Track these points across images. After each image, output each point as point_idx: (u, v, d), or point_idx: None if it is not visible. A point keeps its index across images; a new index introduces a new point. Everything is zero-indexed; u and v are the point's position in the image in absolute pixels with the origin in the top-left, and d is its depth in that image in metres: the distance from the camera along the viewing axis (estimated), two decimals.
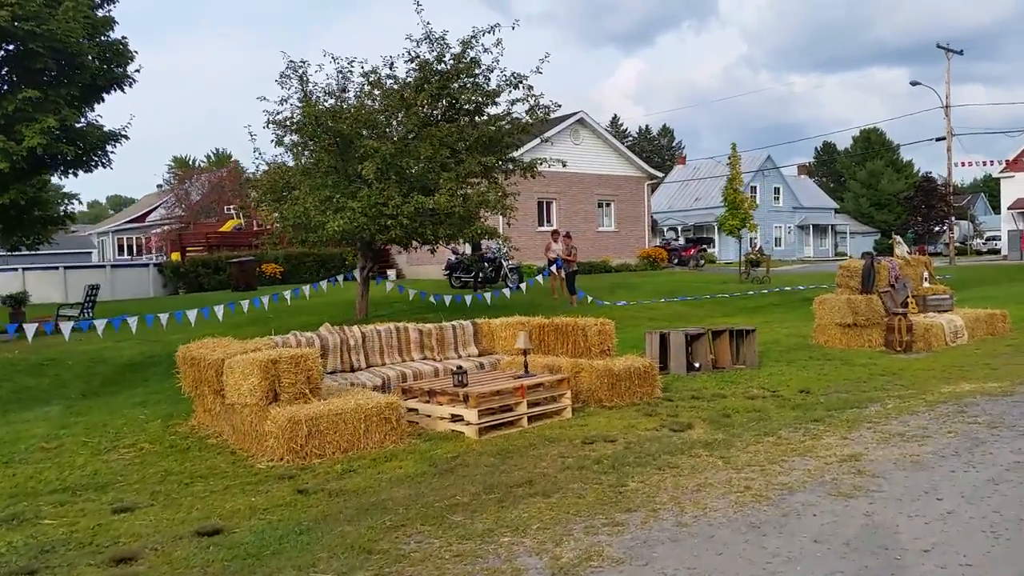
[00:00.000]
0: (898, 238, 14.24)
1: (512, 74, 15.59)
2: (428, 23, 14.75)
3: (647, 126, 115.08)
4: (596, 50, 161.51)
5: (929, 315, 13.05)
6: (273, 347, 7.99)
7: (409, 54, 14.41)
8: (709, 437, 6.56)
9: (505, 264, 22.30)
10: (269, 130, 13.71)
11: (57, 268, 26.41)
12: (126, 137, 16.44)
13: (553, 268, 19.35)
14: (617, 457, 5.98)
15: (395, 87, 14.42)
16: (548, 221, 29.66)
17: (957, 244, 59.41)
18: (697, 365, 10.58)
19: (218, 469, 6.22)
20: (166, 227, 39.68)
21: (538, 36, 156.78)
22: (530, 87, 15.79)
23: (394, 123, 13.79)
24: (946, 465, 5.36)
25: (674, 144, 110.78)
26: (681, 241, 37.37)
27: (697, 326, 11.34)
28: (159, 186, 46.91)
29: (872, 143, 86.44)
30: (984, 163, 43.39)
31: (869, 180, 74.26)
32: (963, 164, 44.74)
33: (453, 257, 23.34)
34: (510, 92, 15.76)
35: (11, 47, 14.14)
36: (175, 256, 30.08)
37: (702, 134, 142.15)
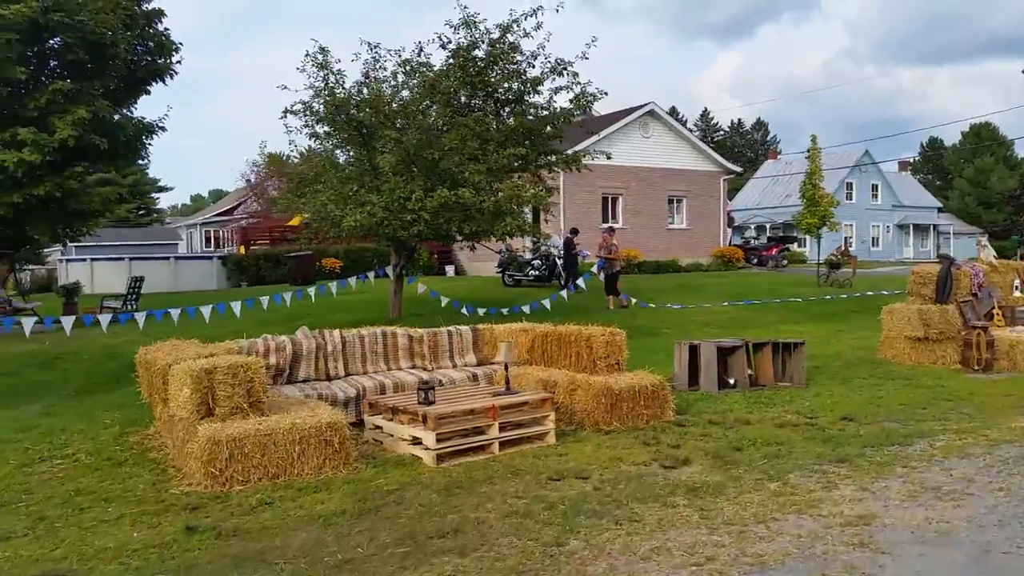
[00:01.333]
0: (983, 240, 12.51)
1: (556, 60, 14.60)
2: (466, 7, 13.92)
3: (739, 120, 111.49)
4: (692, 43, 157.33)
5: (1017, 330, 11.36)
6: (236, 352, 7.31)
7: (442, 39, 13.60)
8: (701, 479, 5.45)
9: (559, 262, 21.27)
10: (288, 120, 13.16)
11: (123, 259, 26.92)
12: (163, 129, 16.26)
13: (617, 267, 18.18)
14: (578, 501, 4.97)
15: (429, 74, 13.62)
16: (613, 217, 28.42)
17: None
18: (732, 382, 9.36)
19: (132, 492, 5.52)
20: (243, 221, 40.32)
21: (632, 30, 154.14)
22: (575, 74, 14.76)
23: (421, 113, 12.98)
24: (980, 539, 4.12)
25: (768, 138, 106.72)
26: (762, 240, 35.34)
27: (736, 337, 10.09)
28: (247, 181, 48.04)
29: (983, 138, 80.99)
30: None
31: (977, 178, 69.44)
32: None
33: (505, 254, 22.47)
34: (553, 80, 14.78)
35: (43, 39, 14.09)
36: (242, 249, 30.32)
37: (801, 129, 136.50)
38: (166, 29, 16.64)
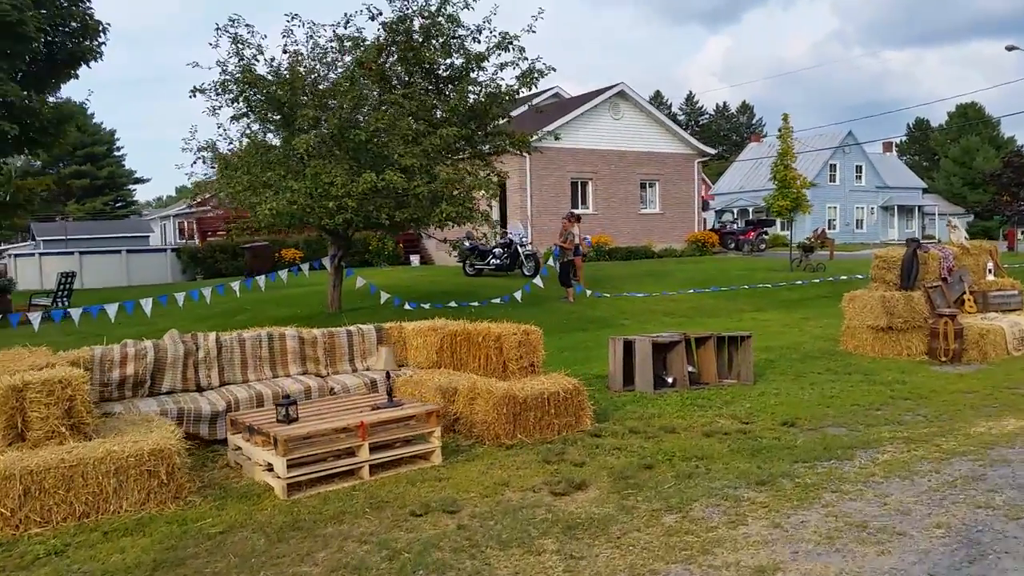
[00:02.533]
0: (954, 221, 11.63)
1: (501, 34, 13.62)
2: None
3: (725, 103, 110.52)
4: (679, 27, 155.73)
5: (989, 316, 10.51)
6: (88, 360, 6.37)
7: (371, 11, 12.58)
8: (590, 511, 4.55)
9: (522, 250, 20.34)
10: (198, 99, 12.14)
11: (73, 253, 25.83)
12: (84, 114, 15.21)
13: (571, 255, 17.21)
14: (428, 547, 4.06)
15: (359, 50, 12.61)
16: (583, 203, 27.47)
17: None
18: (671, 381, 8.47)
19: None
20: (209, 212, 39.19)
21: (618, 14, 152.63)
22: (522, 48, 13.80)
23: (354, 91, 11.97)
24: None
25: (754, 121, 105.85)
26: (740, 224, 34.46)
27: (675, 331, 9.19)
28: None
29: (969, 118, 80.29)
30: None
31: (962, 157, 68.76)
32: None
33: (466, 243, 21.50)
34: (499, 55, 13.81)
35: None
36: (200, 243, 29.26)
37: (788, 112, 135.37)
38: (89, 8, 15.54)
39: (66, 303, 16.83)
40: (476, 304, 15.67)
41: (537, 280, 16.47)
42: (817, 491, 4.70)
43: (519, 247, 20.48)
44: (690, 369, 8.61)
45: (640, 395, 8.08)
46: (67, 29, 15.18)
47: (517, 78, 13.74)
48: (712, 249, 29.45)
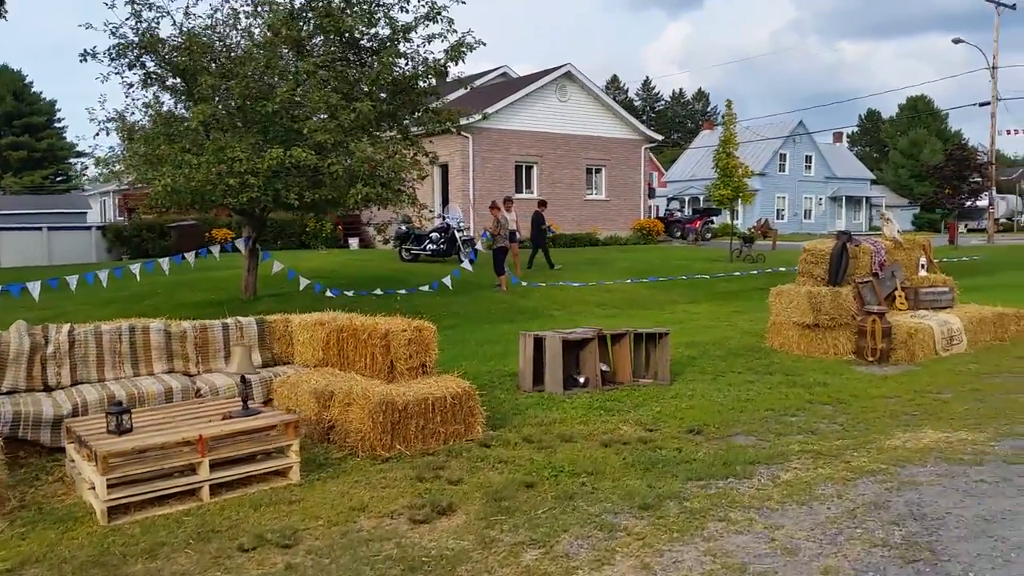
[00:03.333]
0: (887, 214, 11.31)
1: (428, 4, 12.89)
2: None
3: (681, 90, 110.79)
4: (641, 12, 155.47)
5: (919, 314, 10.20)
6: None
7: None
8: (444, 543, 3.99)
9: (459, 235, 19.68)
10: (89, 63, 11.22)
11: None
12: None
13: (506, 243, 16.60)
14: None
15: (271, 14, 11.78)
16: (528, 187, 26.87)
17: (1003, 220, 55.10)
18: (583, 380, 7.95)
19: None
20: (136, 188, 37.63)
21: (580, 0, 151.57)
22: (451, 20, 13.08)
23: (263, 60, 11.16)
24: None
25: (709, 109, 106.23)
26: (687, 212, 34.18)
27: (589, 327, 8.67)
28: None
29: (919, 111, 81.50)
30: None
31: (910, 150, 69.64)
32: (1011, 132, 40.63)
33: (402, 227, 20.78)
34: (426, 26, 13.07)
35: None
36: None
37: (745, 102, 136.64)
38: None
39: None
40: (403, 292, 15.03)
41: (467, 265, 15.87)
42: (703, 519, 4.19)
43: (456, 232, 19.82)
44: (604, 368, 8.11)
45: (548, 396, 7.55)
46: None
47: (445, 51, 13.03)
48: (657, 238, 29.13)
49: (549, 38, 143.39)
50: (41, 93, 71.89)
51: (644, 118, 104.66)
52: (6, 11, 14.93)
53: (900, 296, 10.77)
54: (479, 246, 19.11)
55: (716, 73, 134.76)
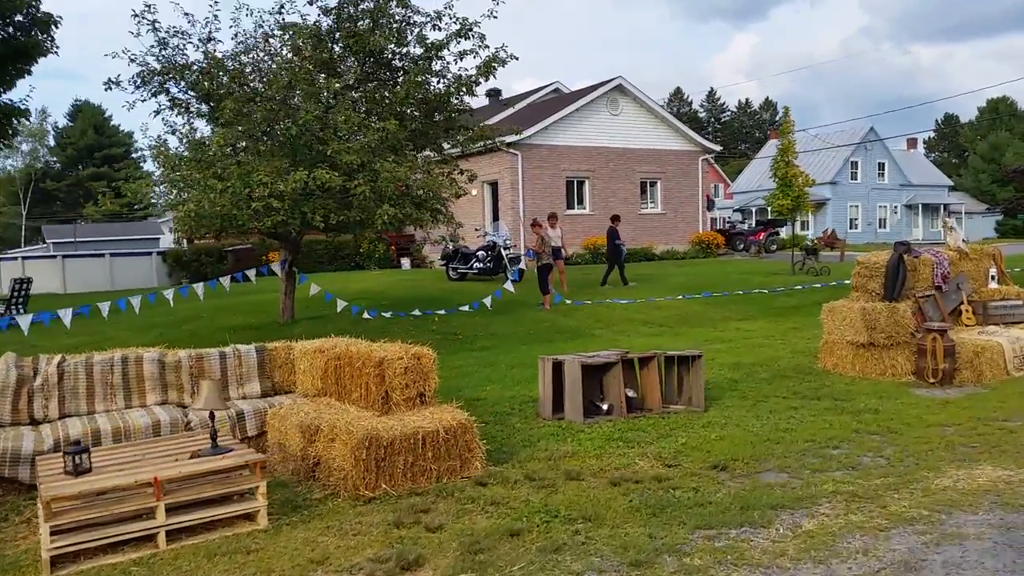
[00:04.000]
0: (951, 222, 10.37)
1: (460, 20, 12.59)
2: None
3: (747, 100, 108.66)
4: (704, 25, 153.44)
5: (988, 330, 9.28)
6: None
7: None
8: None
9: (505, 253, 19.28)
10: (118, 91, 11.23)
11: (56, 257, 25.21)
12: (23, 113, 14.45)
13: (550, 260, 16.11)
14: None
15: (298, 39, 11.65)
16: (580, 203, 26.32)
17: None
18: (605, 407, 7.39)
19: None
20: None
21: (642, 15, 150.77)
22: (482, 36, 12.76)
23: (275, 80, 11.01)
24: None
25: (777, 119, 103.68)
26: (750, 224, 32.99)
27: (615, 350, 8.09)
28: None
29: (1000, 113, 77.92)
30: None
31: (991, 154, 66.38)
32: None
33: (449, 246, 20.50)
34: (458, 43, 12.79)
35: None
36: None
37: (816, 111, 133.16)
38: (37, 1, 14.79)
39: (21, 310, 16.08)
40: (442, 312, 14.68)
41: (509, 285, 15.43)
42: None
43: (503, 249, 19.43)
44: (630, 394, 7.53)
45: (566, 425, 7.02)
46: (11, 22, 14.41)
47: (477, 67, 12.69)
48: (718, 251, 28.16)
49: (609, 53, 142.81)
50: (120, 125, 74.82)
51: (709, 129, 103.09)
52: (56, 47, 15.24)
53: (967, 311, 9.86)
54: (523, 265, 18.65)
55: (785, 83, 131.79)
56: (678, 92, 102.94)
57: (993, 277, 10.45)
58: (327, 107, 10.70)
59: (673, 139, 27.90)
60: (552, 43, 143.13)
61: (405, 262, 26.69)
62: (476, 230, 21.79)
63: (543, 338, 12.84)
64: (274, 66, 11.46)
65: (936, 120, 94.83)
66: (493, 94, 34.15)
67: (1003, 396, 7.63)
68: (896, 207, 56.55)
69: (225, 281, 13.83)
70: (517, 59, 12.75)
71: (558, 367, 7.44)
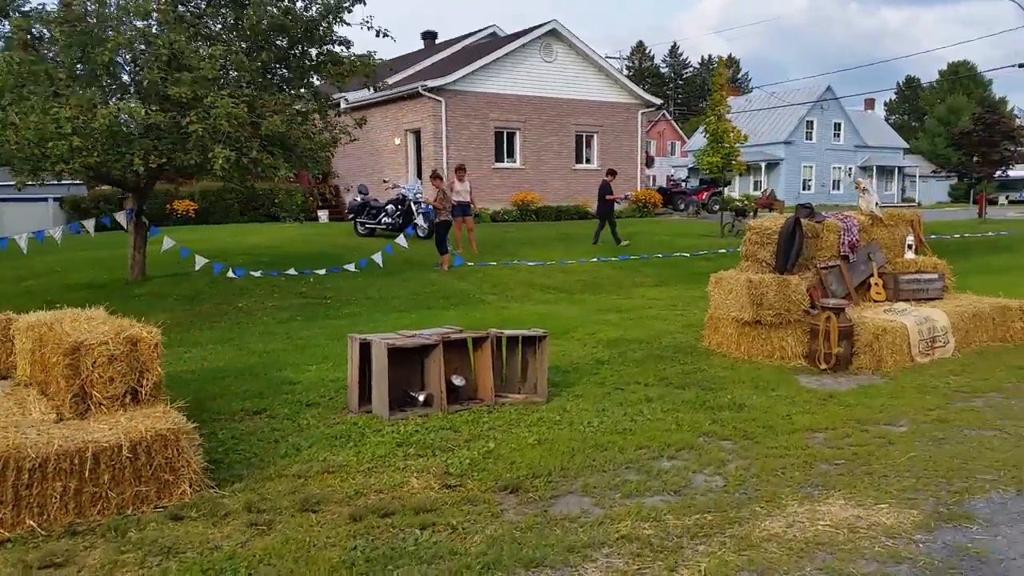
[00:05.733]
0: (864, 183, 9.14)
1: None
2: None
3: (710, 55, 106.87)
4: None
5: (896, 308, 8.13)
6: None
7: None
8: None
9: (415, 208, 17.80)
10: None
11: None
12: None
13: (449, 216, 14.72)
14: None
15: None
16: (510, 156, 24.80)
17: None
18: (422, 399, 6.08)
19: None
20: None
21: None
22: None
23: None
24: None
25: (739, 76, 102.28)
26: (694, 182, 31.72)
27: (448, 327, 6.75)
28: None
29: (960, 76, 77.41)
30: None
31: (948, 117, 65.86)
32: None
33: (356, 199, 18.97)
34: None
35: None
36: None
37: (783, 70, 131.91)
38: None
39: None
40: (322, 271, 13.25)
41: (402, 241, 14.03)
42: None
43: (412, 203, 17.94)
44: (457, 382, 6.22)
45: (368, 422, 5.73)
46: None
47: None
48: (655, 210, 26.92)
49: (577, 4, 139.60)
50: None
51: (671, 85, 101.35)
52: None
53: (877, 284, 8.71)
54: (419, 220, 17.24)
55: (752, 43, 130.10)
56: (640, 46, 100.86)
57: (910, 246, 9.30)
58: (147, 33, 9.05)
59: (612, 91, 26.38)
60: None
61: (323, 215, 25.05)
62: (384, 182, 20.26)
63: (423, 304, 11.51)
64: None
65: (897, 82, 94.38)
66: (428, 36, 32.26)
67: (897, 389, 6.49)
68: (850, 168, 55.82)
69: (57, 234, 12.33)
70: None
71: (365, 349, 6.11)
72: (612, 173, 18.45)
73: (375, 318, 10.35)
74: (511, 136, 24.63)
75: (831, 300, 7.55)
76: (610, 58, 33.28)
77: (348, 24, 11.13)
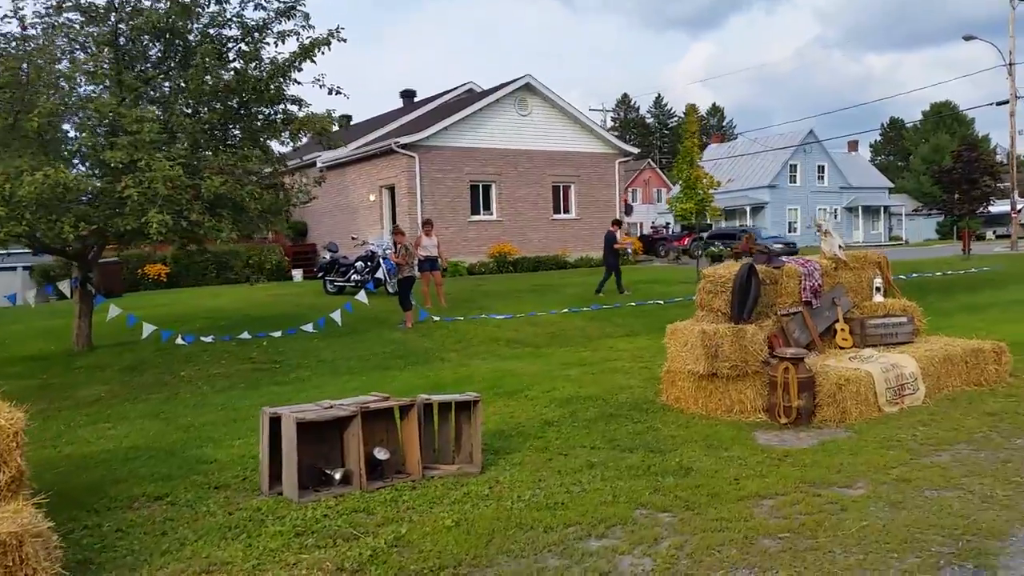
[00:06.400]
0: (826, 224, 8.76)
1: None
2: None
3: (695, 105, 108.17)
4: (662, 35, 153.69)
5: (863, 355, 7.67)
6: None
7: None
8: None
9: (383, 264, 17.41)
10: None
11: None
12: None
13: (414, 272, 14.33)
14: None
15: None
16: (487, 208, 24.55)
17: None
18: (338, 476, 5.57)
19: None
20: None
21: (601, 23, 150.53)
22: (307, 15, 10.97)
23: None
24: None
25: (724, 124, 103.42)
26: (675, 229, 31.53)
27: (372, 395, 6.26)
28: None
29: (943, 116, 78.20)
30: None
31: (932, 156, 66.23)
32: None
33: (326, 256, 18.60)
34: (282, 23, 10.96)
35: None
36: None
37: (768, 118, 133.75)
38: None
39: None
40: (277, 334, 12.77)
41: (362, 297, 13.61)
42: None
43: (382, 259, 17.55)
44: (380, 455, 5.71)
45: (274, 506, 5.21)
46: None
47: (299, 51, 10.86)
48: (635, 258, 26.59)
49: (570, 67, 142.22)
50: None
51: (657, 135, 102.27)
52: None
53: (843, 330, 8.27)
54: (380, 275, 16.86)
55: (738, 91, 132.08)
56: (625, 98, 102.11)
57: (879, 289, 8.89)
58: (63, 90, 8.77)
59: (588, 141, 26.29)
60: (502, 48, 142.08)
61: (297, 274, 24.65)
62: (353, 238, 19.93)
63: (379, 365, 11.03)
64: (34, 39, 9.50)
65: (882, 123, 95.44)
66: (407, 95, 32.37)
67: (859, 445, 5.99)
68: (836, 209, 55.87)
69: (30, 297, 11.89)
70: (344, 41, 10.95)
71: (275, 423, 5.61)
72: (617, 223, 18.49)
73: (322, 382, 9.86)
74: (487, 188, 24.41)
75: (789, 349, 7.09)
76: (594, 111, 33.50)
77: (299, 83, 10.91)
